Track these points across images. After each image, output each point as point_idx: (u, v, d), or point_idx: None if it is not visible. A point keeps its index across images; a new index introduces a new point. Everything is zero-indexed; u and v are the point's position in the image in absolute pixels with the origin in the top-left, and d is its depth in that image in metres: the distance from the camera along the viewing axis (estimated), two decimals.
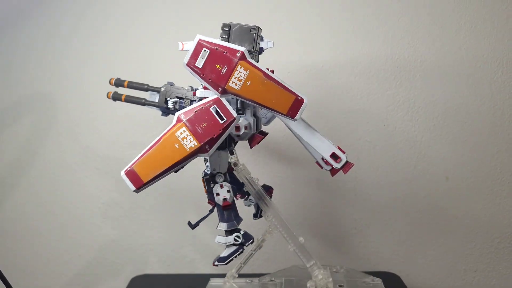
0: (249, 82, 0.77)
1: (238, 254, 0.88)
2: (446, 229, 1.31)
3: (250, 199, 0.91)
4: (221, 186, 0.87)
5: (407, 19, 1.24)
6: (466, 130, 1.27)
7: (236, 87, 0.77)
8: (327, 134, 1.26)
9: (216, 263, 0.88)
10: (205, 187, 0.88)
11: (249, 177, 0.90)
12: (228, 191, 0.86)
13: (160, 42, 1.25)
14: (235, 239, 0.87)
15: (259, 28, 0.81)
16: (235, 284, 1.01)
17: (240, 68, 0.77)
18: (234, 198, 0.88)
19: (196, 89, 0.86)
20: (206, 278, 1.29)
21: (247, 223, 1.28)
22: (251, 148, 0.89)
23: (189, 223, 0.91)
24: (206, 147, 0.79)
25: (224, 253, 0.88)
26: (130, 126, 1.28)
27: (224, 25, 0.81)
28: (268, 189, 0.94)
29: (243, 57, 0.77)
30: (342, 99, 1.26)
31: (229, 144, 0.88)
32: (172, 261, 1.33)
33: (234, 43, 0.81)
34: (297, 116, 0.77)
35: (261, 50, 0.86)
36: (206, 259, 1.32)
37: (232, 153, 0.89)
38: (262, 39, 0.85)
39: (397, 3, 1.24)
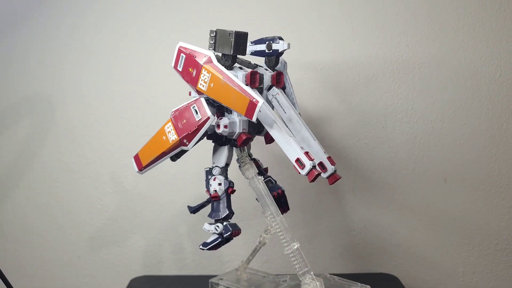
0: (212, 84, 0.82)
1: (219, 244, 0.90)
2: (445, 231, 1.31)
3: None
4: (214, 179, 0.90)
5: (406, 21, 1.25)
6: (465, 132, 1.27)
7: (203, 88, 0.84)
8: (325, 136, 1.27)
9: (200, 246, 0.91)
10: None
11: (253, 176, 0.90)
12: (219, 184, 0.89)
13: (160, 44, 1.25)
14: (215, 228, 0.89)
15: (237, 32, 0.84)
16: (244, 274, 1.06)
17: (204, 71, 0.83)
18: (226, 192, 0.90)
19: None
20: (205, 279, 1.29)
21: (254, 222, 1.29)
22: (238, 146, 0.91)
23: (189, 207, 0.96)
24: (185, 141, 0.87)
25: (208, 240, 0.91)
26: (129, 128, 1.28)
27: (211, 31, 0.86)
28: (277, 189, 0.96)
29: (208, 61, 0.83)
30: (340, 101, 1.27)
31: (228, 141, 0.90)
32: (172, 263, 1.33)
33: (218, 47, 0.85)
34: (253, 118, 0.79)
35: (275, 52, 0.89)
36: (205, 261, 1.32)
37: (241, 150, 0.91)
38: (277, 41, 0.89)
39: (396, 5, 1.24)
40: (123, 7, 1.26)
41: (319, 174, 0.80)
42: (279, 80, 0.89)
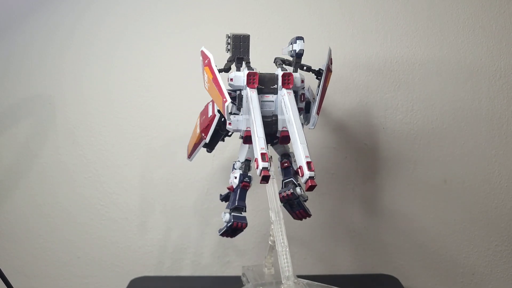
0: (208, 84, 0.88)
1: (227, 232, 0.92)
2: (444, 232, 1.31)
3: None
4: (233, 172, 0.94)
5: (406, 22, 1.25)
6: (464, 134, 1.28)
7: (206, 88, 0.90)
8: (325, 136, 1.27)
9: (218, 233, 0.95)
10: None
11: (272, 173, 0.91)
12: (235, 177, 0.93)
13: (160, 45, 1.26)
14: (224, 217, 0.93)
15: (234, 35, 0.88)
16: (268, 270, 1.10)
17: (204, 72, 0.90)
18: (239, 185, 0.93)
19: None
20: (205, 280, 1.29)
21: (256, 222, 1.29)
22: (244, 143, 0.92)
23: (220, 195, 1.00)
24: (203, 135, 0.95)
25: (222, 227, 0.95)
26: (129, 128, 1.28)
27: (226, 35, 0.91)
28: (286, 191, 0.96)
29: (208, 63, 0.88)
30: (340, 102, 1.27)
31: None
32: (171, 263, 1.33)
33: (230, 51, 0.90)
34: (225, 116, 0.84)
35: (294, 52, 0.90)
36: (205, 261, 1.32)
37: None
38: (296, 41, 0.90)
39: (396, 7, 1.24)
40: (123, 8, 1.26)
41: (266, 176, 0.80)
42: (285, 81, 0.90)
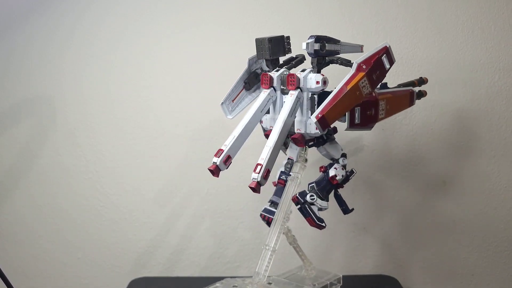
0: None
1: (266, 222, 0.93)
2: (444, 233, 1.31)
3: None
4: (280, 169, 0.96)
5: (405, 23, 1.25)
6: (464, 135, 1.28)
7: None
8: None
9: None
10: None
11: (295, 174, 0.93)
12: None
13: (160, 45, 1.26)
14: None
15: (256, 39, 0.90)
16: (307, 273, 1.09)
17: None
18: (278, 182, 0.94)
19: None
20: (204, 280, 1.29)
21: (252, 224, 1.27)
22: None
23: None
24: None
25: None
26: (129, 129, 1.28)
27: None
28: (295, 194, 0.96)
29: None
30: None
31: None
32: (171, 264, 1.33)
33: None
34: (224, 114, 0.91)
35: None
36: (205, 262, 1.32)
37: (302, 149, 0.95)
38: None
39: (396, 8, 1.25)
40: (123, 8, 1.26)
41: (211, 170, 0.82)
42: (288, 82, 0.90)
